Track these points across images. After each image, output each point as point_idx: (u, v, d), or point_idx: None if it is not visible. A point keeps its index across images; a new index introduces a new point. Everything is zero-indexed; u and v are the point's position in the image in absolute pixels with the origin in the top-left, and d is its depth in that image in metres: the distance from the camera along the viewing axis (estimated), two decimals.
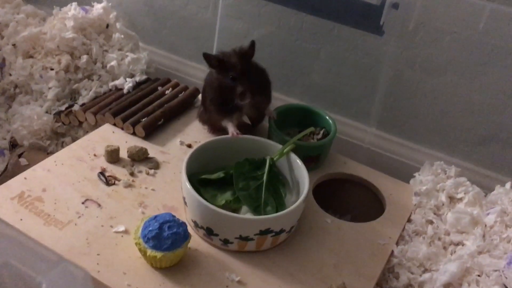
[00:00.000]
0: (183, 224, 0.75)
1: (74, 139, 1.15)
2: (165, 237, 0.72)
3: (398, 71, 1.04)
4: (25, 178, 0.88)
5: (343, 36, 1.07)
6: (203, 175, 0.85)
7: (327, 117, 1.02)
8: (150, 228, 0.73)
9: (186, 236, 0.75)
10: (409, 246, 0.85)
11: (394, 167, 1.06)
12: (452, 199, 0.93)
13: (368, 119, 1.11)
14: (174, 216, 0.75)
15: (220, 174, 0.85)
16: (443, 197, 0.92)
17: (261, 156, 0.90)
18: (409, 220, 0.92)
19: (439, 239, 0.87)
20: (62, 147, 1.14)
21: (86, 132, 1.13)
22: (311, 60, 1.13)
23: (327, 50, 1.11)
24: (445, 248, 0.86)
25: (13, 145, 1.10)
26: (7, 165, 1.07)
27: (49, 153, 1.10)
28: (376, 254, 0.84)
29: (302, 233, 0.85)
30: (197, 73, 1.29)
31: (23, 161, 1.05)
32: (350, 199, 1.03)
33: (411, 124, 1.08)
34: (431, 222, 0.90)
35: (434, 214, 0.91)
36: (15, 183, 0.87)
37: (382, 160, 1.09)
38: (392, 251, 0.85)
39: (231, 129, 0.93)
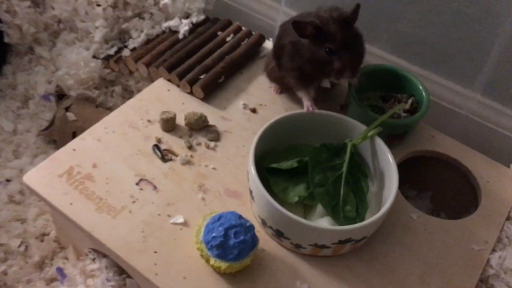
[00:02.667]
0: (251, 228, 0.65)
1: (124, 88, 1.03)
2: (231, 246, 0.63)
3: None
4: (74, 150, 0.79)
5: None
6: (273, 164, 0.73)
7: (418, 84, 0.85)
8: (214, 234, 0.63)
9: (254, 243, 0.65)
10: (508, 253, 0.73)
11: (496, 143, 0.90)
12: None
13: (472, 82, 0.92)
14: (240, 218, 0.65)
15: (293, 164, 0.73)
16: None
17: (338, 134, 0.77)
18: (508, 218, 0.78)
19: None
20: (112, 97, 1.03)
21: (138, 82, 1.01)
22: (402, 3, 0.93)
23: None
24: None
25: (59, 95, 1.00)
26: (53, 119, 0.97)
27: (98, 106, 1.00)
28: (469, 263, 0.72)
29: (383, 233, 0.74)
30: (262, 9, 1.10)
31: (70, 115, 0.96)
32: (435, 177, 0.90)
33: None
34: None
35: None
36: (63, 156, 0.78)
37: (482, 133, 0.92)
38: (488, 259, 0.73)
39: (307, 102, 0.78)
